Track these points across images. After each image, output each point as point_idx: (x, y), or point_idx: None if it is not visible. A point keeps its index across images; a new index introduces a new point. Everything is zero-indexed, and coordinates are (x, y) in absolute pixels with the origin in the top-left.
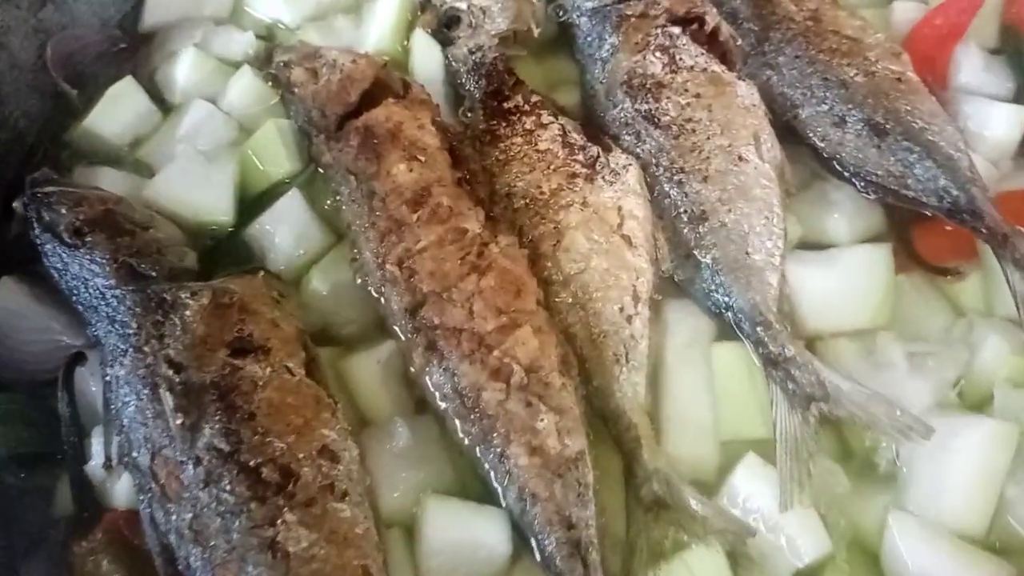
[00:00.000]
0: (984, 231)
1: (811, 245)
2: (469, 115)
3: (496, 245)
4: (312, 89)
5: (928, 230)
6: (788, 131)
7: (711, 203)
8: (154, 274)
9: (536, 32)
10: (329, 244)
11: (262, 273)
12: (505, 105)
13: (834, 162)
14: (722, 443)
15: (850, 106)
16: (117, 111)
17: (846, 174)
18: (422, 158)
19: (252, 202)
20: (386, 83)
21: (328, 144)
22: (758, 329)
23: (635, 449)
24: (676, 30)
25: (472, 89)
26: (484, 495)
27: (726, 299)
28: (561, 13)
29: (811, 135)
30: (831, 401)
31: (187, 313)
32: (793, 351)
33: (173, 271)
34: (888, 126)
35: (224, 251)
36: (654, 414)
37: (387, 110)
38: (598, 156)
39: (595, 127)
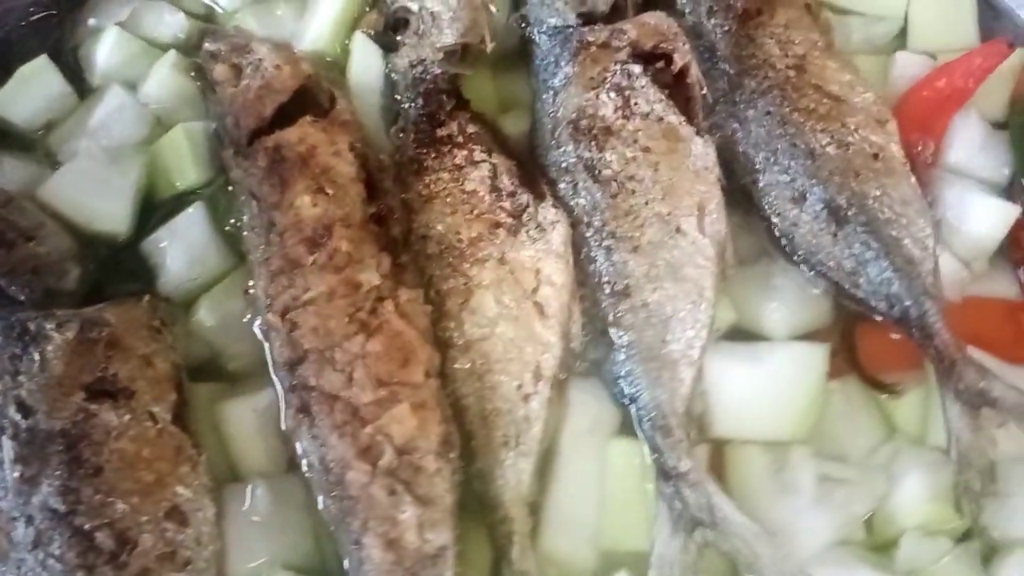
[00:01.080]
0: (932, 351)
1: (742, 334)
2: (400, 136)
3: (393, 301)
4: (230, 92)
5: (874, 334)
6: (744, 195)
7: (636, 278)
8: (23, 298)
9: (489, 47)
10: (226, 269)
11: (147, 298)
12: (438, 132)
13: (784, 241)
14: (601, 551)
15: (813, 181)
16: (28, 93)
17: (795, 258)
18: (330, 191)
19: (155, 210)
20: (311, 94)
21: (236, 159)
22: (657, 434)
23: (506, 546)
24: (636, 69)
25: (407, 107)
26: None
27: (632, 390)
28: (523, 25)
29: (766, 207)
30: (717, 531)
31: (49, 348)
32: (688, 466)
33: (49, 293)
34: (850, 212)
35: (119, 263)
36: (538, 503)
37: (302, 131)
38: (526, 207)
39: (536, 165)
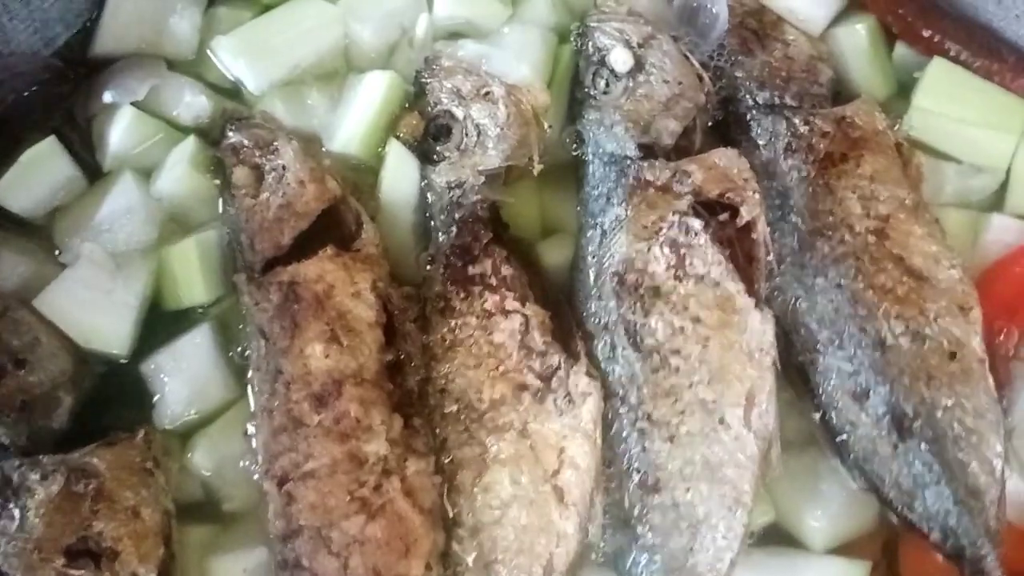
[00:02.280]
0: None
1: (779, 536)
2: (429, 265)
3: (399, 476)
4: (248, 205)
5: (920, 552)
6: (800, 374)
7: (669, 472)
8: (7, 442)
9: (537, 169)
10: (228, 401)
11: (142, 434)
12: (470, 270)
13: (837, 438)
14: None
15: (880, 379)
16: (33, 179)
17: (846, 459)
18: (345, 340)
19: (159, 320)
20: (337, 217)
21: (248, 287)
22: None
23: None
24: (696, 224)
25: (440, 233)
26: None
27: None
28: (576, 145)
29: (823, 395)
30: None
31: (31, 503)
32: None
33: (35, 432)
34: (916, 424)
35: (117, 383)
36: None
37: (321, 266)
38: (557, 369)
39: (574, 310)
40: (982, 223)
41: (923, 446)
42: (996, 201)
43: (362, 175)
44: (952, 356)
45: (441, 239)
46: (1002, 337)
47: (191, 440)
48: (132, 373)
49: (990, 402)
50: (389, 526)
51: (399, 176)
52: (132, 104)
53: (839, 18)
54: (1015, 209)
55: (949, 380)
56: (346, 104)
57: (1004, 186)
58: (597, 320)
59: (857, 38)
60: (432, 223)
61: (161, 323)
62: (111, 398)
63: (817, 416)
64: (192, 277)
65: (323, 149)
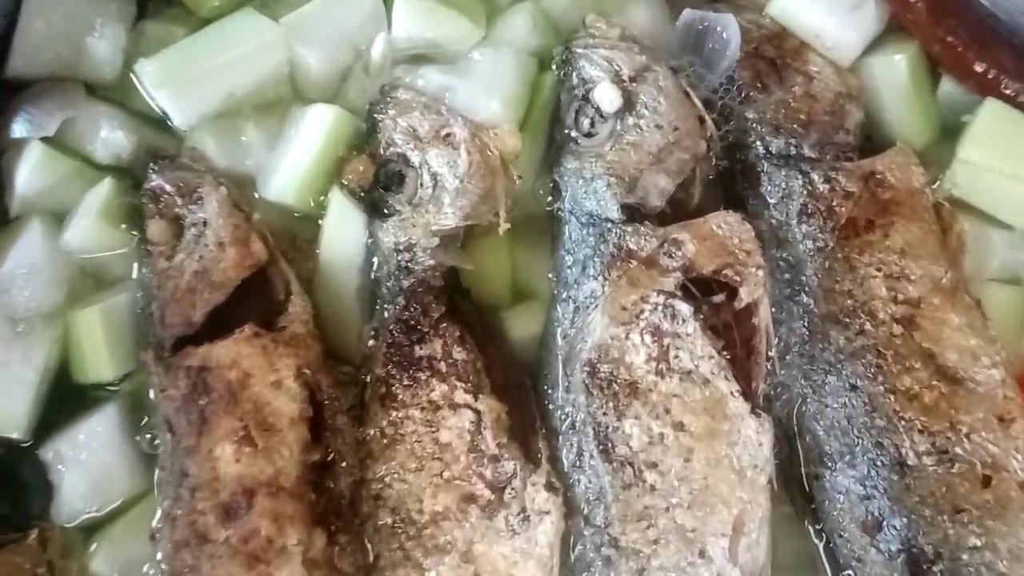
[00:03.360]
0: None
1: None
2: (373, 341)
3: None
4: (161, 267)
5: None
6: (800, 490)
7: None
8: None
9: (504, 227)
10: (133, 496)
11: (35, 534)
12: (416, 352)
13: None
14: None
15: (896, 508)
16: None
17: None
18: (261, 441)
19: (70, 397)
20: (265, 282)
21: (157, 367)
22: None
23: None
24: (685, 310)
25: (385, 304)
26: None
27: None
28: (550, 198)
29: (826, 519)
30: None
31: None
32: None
33: None
34: (935, 569)
35: (14, 469)
36: None
37: (236, 349)
38: (512, 477)
39: (539, 397)
40: None
41: None
42: None
43: (302, 226)
44: (986, 482)
45: (386, 311)
46: None
47: (91, 541)
48: (35, 456)
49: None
50: None
51: (341, 232)
52: (42, 139)
53: (875, 45)
54: None
55: (981, 514)
56: (285, 142)
57: None
58: (564, 416)
59: (895, 72)
60: (379, 289)
61: (71, 397)
62: (12, 483)
63: (820, 544)
64: (97, 351)
65: (256, 196)
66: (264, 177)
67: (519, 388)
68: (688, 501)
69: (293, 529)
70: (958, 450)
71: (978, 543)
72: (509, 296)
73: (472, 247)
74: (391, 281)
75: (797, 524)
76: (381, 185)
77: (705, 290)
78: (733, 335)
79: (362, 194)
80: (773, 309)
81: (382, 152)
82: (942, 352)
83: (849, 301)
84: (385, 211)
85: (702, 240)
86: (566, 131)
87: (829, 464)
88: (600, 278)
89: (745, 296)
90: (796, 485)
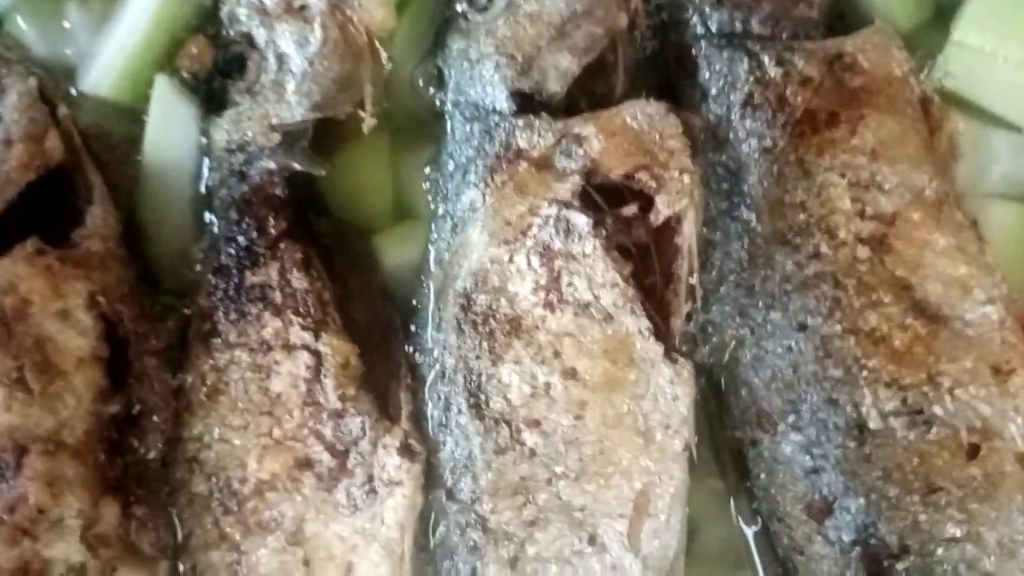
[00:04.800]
0: None
1: None
2: (201, 264)
3: None
4: None
5: None
6: (735, 460)
7: None
8: None
9: (369, 124)
10: None
11: None
12: (248, 279)
13: (781, 569)
14: None
15: (852, 485)
16: None
17: None
18: (37, 386)
19: None
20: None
21: None
22: None
23: None
24: (583, 223)
25: (217, 218)
26: None
27: None
28: (432, 89)
29: (763, 499)
30: None
31: None
32: None
33: None
34: (899, 567)
35: None
36: None
37: (12, 270)
38: (357, 439)
39: (408, 339)
40: None
41: None
42: None
43: (127, 127)
44: (972, 452)
45: (216, 228)
46: None
47: None
48: None
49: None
50: None
51: (167, 130)
52: None
53: None
54: None
55: (963, 493)
56: (117, 21)
57: None
58: (433, 362)
59: None
60: (212, 201)
61: None
62: None
63: (753, 529)
64: None
65: (72, 91)
66: (84, 67)
67: (386, 329)
68: (577, 471)
69: (73, 497)
70: (937, 410)
71: (958, 533)
72: (390, 217)
73: (344, 156)
74: (223, 190)
75: (727, 505)
76: (221, 72)
77: (615, 202)
78: (651, 260)
79: (200, 84)
80: (706, 229)
81: (224, 32)
82: (921, 283)
83: (801, 216)
84: (224, 105)
85: (611, 136)
86: (456, 6)
87: (768, 427)
88: (481, 185)
89: (663, 207)
90: (728, 454)
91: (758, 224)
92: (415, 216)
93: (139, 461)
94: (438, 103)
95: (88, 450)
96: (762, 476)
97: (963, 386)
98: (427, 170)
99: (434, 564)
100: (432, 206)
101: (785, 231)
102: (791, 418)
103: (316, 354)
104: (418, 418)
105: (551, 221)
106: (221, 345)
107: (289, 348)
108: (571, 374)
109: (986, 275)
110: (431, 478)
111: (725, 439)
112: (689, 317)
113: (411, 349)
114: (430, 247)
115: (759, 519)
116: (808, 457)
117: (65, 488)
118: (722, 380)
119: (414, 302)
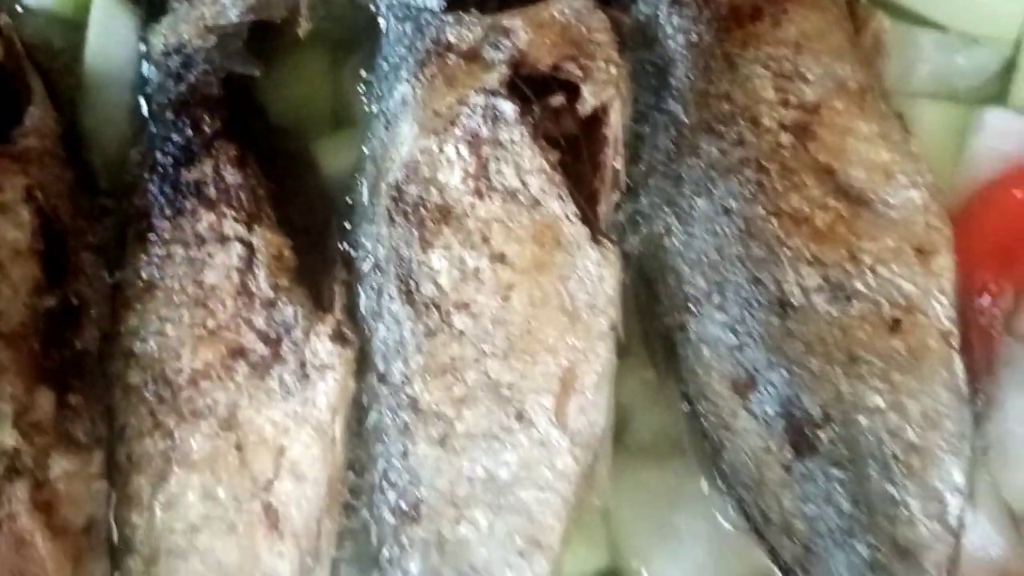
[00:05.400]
0: None
1: None
2: (138, 165)
3: (32, 480)
4: None
5: None
6: (666, 344)
7: (437, 492)
8: None
9: (304, 27)
10: None
11: None
12: (183, 176)
13: (708, 446)
14: None
15: (774, 359)
16: None
17: (719, 480)
18: None
19: None
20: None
21: None
22: None
23: None
24: (510, 110)
25: (155, 121)
26: None
27: None
28: None
29: (690, 380)
30: None
31: None
32: None
33: None
34: (822, 434)
35: None
36: None
37: None
38: (290, 328)
39: (344, 238)
40: (971, 123)
41: (832, 471)
42: (996, 90)
43: (70, 38)
44: (894, 326)
45: (154, 130)
46: (986, 299)
47: None
48: None
49: (952, 403)
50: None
51: (108, 39)
52: None
53: None
54: None
55: (886, 366)
56: None
57: (1010, 67)
58: (366, 255)
59: None
60: (150, 106)
61: None
62: None
63: (684, 410)
64: None
65: (16, 7)
66: None
67: (321, 229)
68: (504, 350)
69: (6, 383)
70: (858, 285)
71: (880, 403)
72: (328, 125)
73: (283, 65)
74: (161, 94)
75: (664, 393)
76: None
77: (543, 92)
78: (580, 150)
79: None
80: (636, 124)
81: None
82: (844, 168)
83: (726, 106)
84: (164, 11)
85: (538, 28)
86: None
87: (695, 309)
88: (412, 80)
89: (590, 97)
90: (659, 342)
91: (685, 116)
92: (353, 123)
93: (76, 355)
94: (372, 7)
95: (23, 339)
96: (689, 357)
97: (885, 263)
98: (363, 73)
99: (367, 448)
100: (367, 108)
101: (711, 121)
102: (716, 299)
103: (249, 246)
104: (352, 311)
105: (479, 110)
106: (157, 240)
107: (222, 240)
108: (499, 258)
109: (910, 162)
110: (364, 365)
111: (655, 329)
112: (618, 207)
113: (346, 247)
114: (364, 148)
115: (687, 402)
116: (733, 335)
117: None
118: (652, 271)
119: (349, 200)
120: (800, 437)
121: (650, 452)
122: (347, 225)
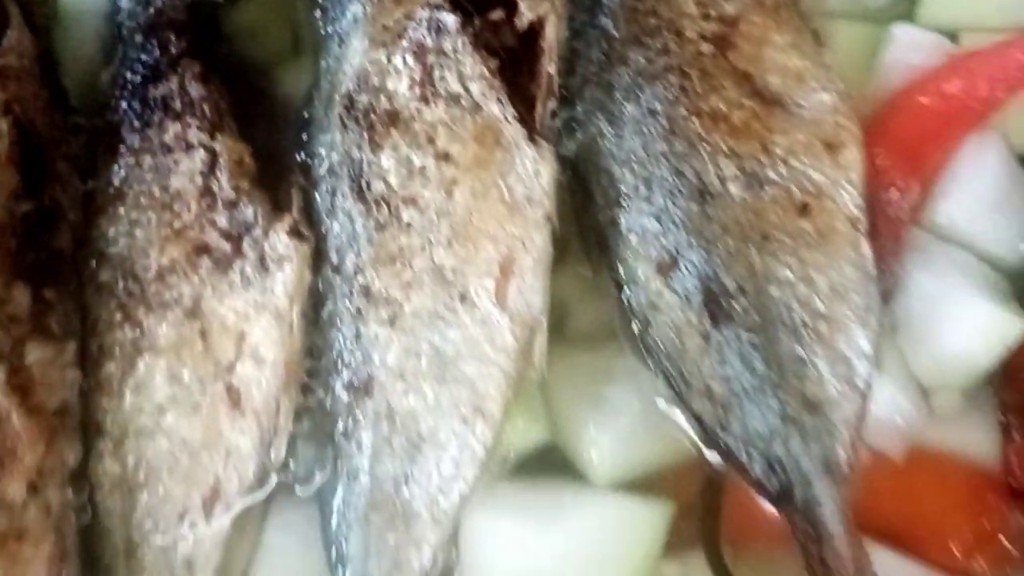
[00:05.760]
0: (815, 561)
1: (555, 465)
2: (109, 85)
3: (8, 366)
4: None
5: (752, 498)
6: (599, 238)
7: (386, 368)
8: None
9: None
10: None
11: None
12: (151, 92)
13: (636, 326)
14: None
15: (692, 240)
16: None
17: (646, 356)
18: None
19: None
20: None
21: None
22: None
23: None
24: (451, 21)
25: (125, 45)
26: None
27: (344, 550)
28: None
29: (619, 266)
30: None
31: None
32: None
33: None
34: (736, 304)
35: None
36: None
37: None
38: (251, 226)
39: (307, 149)
40: (882, 39)
41: (744, 335)
42: (904, 10)
43: None
44: (804, 209)
45: (124, 52)
46: (895, 193)
47: None
48: None
49: (859, 279)
50: None
51: None
52: None
53: None
54: (930, 18)
55: (795, 243)
56: None
57: None
58: (321, 161)
59: None
60: (120, 32)
61: None
62: None
63: (616, 295)
64: None
65: None
66: None
67: (281, 144)
68: (448, 238)
69: None
70: (771, 173)
71: (791, 276)
72: (289, 54)
73: None
74: (131, 20)
75: (598, 286)
76: None
77: (484, 8)
78: (518, 61)
79: None
80: (572, 41)
81: None
82: (761, 74)
83: (653, 20)
84: None
85: None
86: None
87: (624, 203)
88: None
89: (527, 11)
90: (593, 236)
91: (615, 30)
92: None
93: (52, 255)
94: None
95: (1, 239)
96: (620, 247)
97: (796, 155)
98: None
99: (323, 335)
100: (322, 32)
101: (638, 34)
102: (644, 192)
103: (212, 152)
104: (309, 213)
105: (424, 23)
106: (126, 151)
107: (187, 148)
108: (444, 157)
109: (822, 70)
110: (320, 260)
111: (590, 225)
112: (555, 115)
113: (303, 157)
114: (320, 64)
115: (618, 288)
116: (657, 223)
117: None
118: (587, 172)
119: (305, 115)
120: (717, 307)
121: (587, 339)
122: (304, 137)
